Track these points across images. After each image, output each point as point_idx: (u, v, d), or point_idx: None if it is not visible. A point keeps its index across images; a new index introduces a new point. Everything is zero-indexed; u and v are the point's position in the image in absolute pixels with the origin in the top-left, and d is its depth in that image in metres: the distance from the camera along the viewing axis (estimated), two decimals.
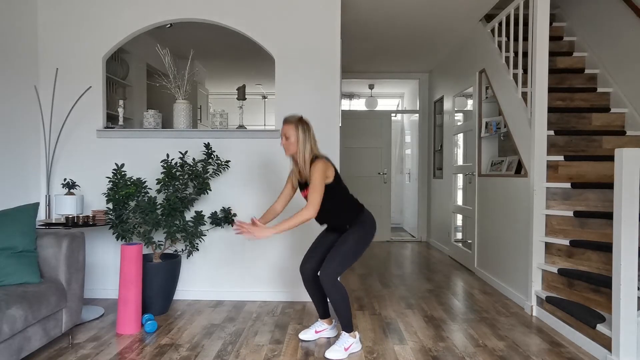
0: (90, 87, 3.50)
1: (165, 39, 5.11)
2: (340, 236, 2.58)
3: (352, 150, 6.62)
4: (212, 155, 3.30)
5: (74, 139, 3.55)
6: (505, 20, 3.91)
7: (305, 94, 3.55)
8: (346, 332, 2.54)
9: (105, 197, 3.12)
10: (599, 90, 4.04)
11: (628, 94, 3.82)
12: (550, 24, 4.25)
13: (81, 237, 2.58)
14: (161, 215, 3.09)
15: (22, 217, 2.41)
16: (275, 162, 3.53)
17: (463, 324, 3.02)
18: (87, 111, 3.54)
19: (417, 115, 6.87)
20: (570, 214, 3.08)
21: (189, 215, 3.46)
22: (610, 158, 3.29)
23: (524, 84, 3.62)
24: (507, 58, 3.88)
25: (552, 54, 4.19)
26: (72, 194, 3.11)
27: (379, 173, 6.69)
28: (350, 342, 2.51)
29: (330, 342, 2.68)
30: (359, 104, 8.23)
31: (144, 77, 5.23)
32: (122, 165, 3.15)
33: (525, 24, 3.63)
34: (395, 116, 8.44)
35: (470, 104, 5.98)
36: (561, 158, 3.35)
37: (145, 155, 3.54)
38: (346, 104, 8.18)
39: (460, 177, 5.55)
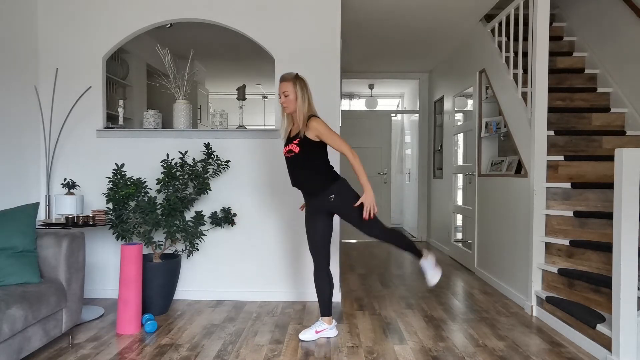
0: (90, 87, 3.50)
1: (165, 39, 5.10)
2: (325, 218, 2.63)
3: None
4: (212, 155, 3.30)
5: (74, 139, 3.55)
6: (505, 20, 3.91)
7: None
8: (421, 260, 2.78)
9: (105, 197, 3.13)
10: (599, 90, 4.04)
11: (628, 94, 3.82)
12: (550, 24, 4.24)
13: (81, 237, 2.58)
14: (161, 215, 3.09)
15: (22, 217, 2.41)
16: (275, 162, 3.53)
17: (463, 324, 3.02)
18: (87, 111, 3.54)
19: (417, 115, 6.87)
20: (570, 214, 3.08)
21: (189, 215, 3.46)
22: (610, 158, 3.28)
23: (524, 84, 3.62)
24: (507, 58, 3.88)
25: (552, 54, 4.18)
26: (72, 194, 3.11)
27: (379, 173, 6.69)
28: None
29: (330, 342, 2.68)
30: (359, 104, 8.23)
31: (144, 77, 5.23)
32: (122, 165, 3.15)
33: (525, 24, 3.63)
34: (395, 116, 8.44)
35: (470, 104, 5.97)
36: (561, 158, 3.35)
37: (145, 155, 3.54)
38: (346, 104, 8.18)
39: (460, 177, 5.55)
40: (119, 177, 3.12)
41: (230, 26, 3.55)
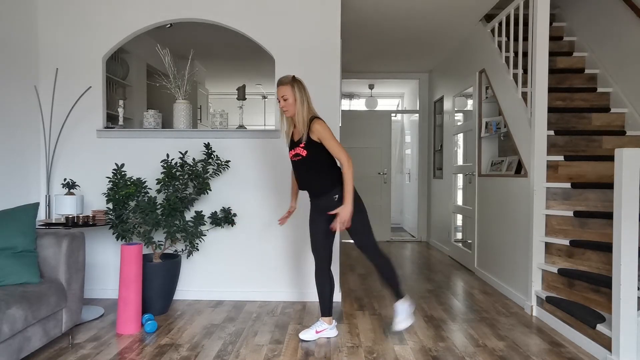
0: (90, 87, 3.50)
1: (165, 39, 5.11)
2: (329, 219, 2.61)
3: (352, 150, 6.62)
4: (212, 155, 3.30)
5: (74, 139, 3.55)
6: (505, 20, 3.91)
7: None
8: (398, 300, 2.73)
9: (105, 197, 3.13)
10: (599, 90, 4.04)
11: (628, 94, 3.82)
12: (550, 24, 4.25)
13: (81, 237, 2.58)
14: (161, 215, 3.09)
15: (22, 217, 2.41)
16: (275, 162, 3.53)
17: (463, 324, 3.02)
18: (87, 111, 3.54)
19: (417, 115, 6.87)
20: (570, 214, 3.08)
21: (189, 215, 3.46)
22: (610, 158, 3.29)
23: (524, 84, 3.62)
24: (507, 58, 3.88)
25: (552, 54, 4.19)
26: (72, 194, 3.11)
27: (379, 173, 6.69)
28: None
29: (330, 342, 2.68)
30: (359, 104, 8.23)
31: (144, 77, 5.23)
32: (122, 165, 3.15)
33: (525, 24, 3.63)
34: (395, 116, 8.44)
35: (470, 104, 5.97)
36: (561, 158, 3.35)
37: (145, 155, 3.54)
38: (346, 104, 8.18)
39: (460, 177, 5.55)
40: (119, 177, 3.12)
41: (230, 26, 3.55)
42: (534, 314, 3.20)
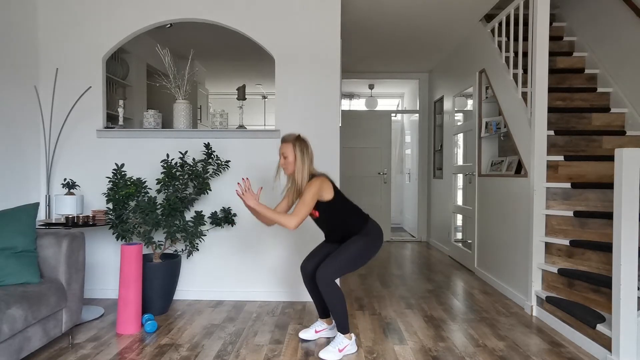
0: (90, 87, 3.50)
1: (165, 39, 5.11)
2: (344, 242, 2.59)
3: (352, 150, 6.62)
4: (212, 155, 3.30)
5: (74, 139, 3.55)
6: (505, 20, 3.91)
7: (305, 94, 3.55)
8: (342, 333, 2.53)
9: (105, 197, 3.13)
10: (599, 90, 4.04)
11: (628, 94, 3.82)
12: (550, 24, 4.25)
13: (81, 237, 2.58)
14: (161, 215, 3.09)
15: (22, 217, 2.41)
16: (275, 162, 3.53)
17: (463, 324, 3.02)
18: (87, 111, 3.54)
19: (417, 115, 6.87)
20: (570, 214, 3.08)
21: (189, 215, 3.46)
22: (610, 158, 3.29)
23: (524, 84, 3.62)
24: (507, 58, 3.88)
25: (552, 54, 4.19)
26: (72, 194, 3.11)
27: (379, 173, 6.69)
28: (345, 344, 2.50)
29: (328, 342, 2.68)
30: (359, 104, 8.23)
31: (144, 77, 5.23)
32: (122, 165, 3.15)
33: (525, 24, 3.63)
34: (395, 116, 8.44)
35: (470, 104, 5.97)
36: (561, 158, 3.35)
37: (145, 155, 3.54)
38: (346, 104, 8.18)
39: (460, 177, 5.55)
40: (119, 177, 3.12)
41: (230, 26, 3.55)
42: (534, 314, 3.20)
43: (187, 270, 3.57)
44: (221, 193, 3.54)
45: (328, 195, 2.50)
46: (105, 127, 3.59)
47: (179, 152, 3.30)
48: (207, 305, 3.39)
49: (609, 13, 4.02)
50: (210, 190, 3.32)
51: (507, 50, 3.88)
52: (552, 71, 4.07)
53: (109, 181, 3.12)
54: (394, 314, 3.21)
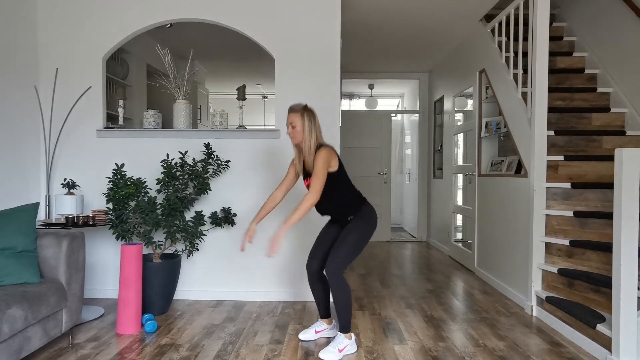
0: (90, 87, 3.50)
1: (165, 39, 5.11)
2: (342, 229, 2.58)
3: (352, 150, 6.62)
4: (212, 155, 3.30)
5: (74, 139, 3.55)
6: (505, 20, 3.91)
7: (305, 94, 3.55)
8: (343, 333, 2.53)
9: (105, 197, 3.13)
10: (599, 90, 4.04)
11: (628, 94, 3.82)
12: (550, 24, 4.25)
13: (81, 237, 2.58)
14: (161, 215, 3.09)
15: (22, 217, 2.41)
16: (275, 162, 3.53)
17: (463, 324, 3.02)
18: (87, 111, 3.54)
19: (417, 115, 6.87)
20: (570, 214, 3.08)
21: (189, 215, 3.46)
22: (610, 158, 3.29)
23: (524, 84, 3.62)
24: (507, 58, 3.88)
25: (552, 54, 4.19)
26: (72, 194, 3.11)
27: (379, 173, 6.69)
28: (345, 344, 2.50)
29: (328, 342, 2.68)
30: (359, 104, 8.23)
31: (144, 77, 5.23)
32: (122, 165, 3.15)
33: (525, 24, 3.63)
34: (395, 116, 8.44)
35: (470, 104, 5.97)
36: (561, 158, 3.35)
37: (145, 155, 3.54)
38: (346, 104, 8.18)
39: (460, 177, 5.55)
40: (119, 177, 3.12)
41: (230, 26, 3.55)
42: (534, 314, 3.20)
43: (187, 270, 3.57)
44: (221, 193, 3.54)
45: (334, 166, 2.50)
46: (105, 127, 3.59)
47: (179, 152, 3.30)
48: (207, 305, 3.39)
49: (609, 13, 4.02)
50: (210, 190, 3.32)
51: (507, 50, 3.88)
52: (552, 71, 4.07)
53: (109, 181, 3.11)
54: (394, 314, 3.21)
